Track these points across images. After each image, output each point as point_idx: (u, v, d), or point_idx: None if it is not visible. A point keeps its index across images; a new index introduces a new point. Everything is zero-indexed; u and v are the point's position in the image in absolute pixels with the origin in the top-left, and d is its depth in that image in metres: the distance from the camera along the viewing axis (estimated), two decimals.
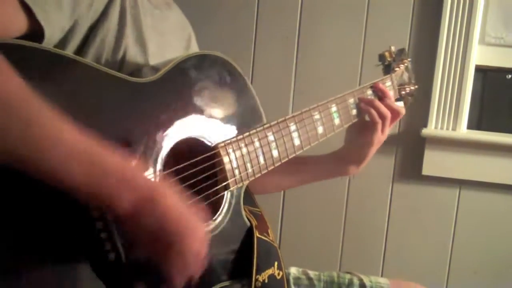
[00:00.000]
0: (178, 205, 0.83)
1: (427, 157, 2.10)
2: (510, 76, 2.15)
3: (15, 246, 0.78)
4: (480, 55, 2.10)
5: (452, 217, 2.15)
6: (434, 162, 2.10)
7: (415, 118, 2.12)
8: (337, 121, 1.29)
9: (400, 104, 1.48)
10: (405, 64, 1.49)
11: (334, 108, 1.27)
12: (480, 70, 2.13)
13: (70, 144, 0.75)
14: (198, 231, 0.86)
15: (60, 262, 0.82)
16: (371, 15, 2.10)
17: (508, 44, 2.12)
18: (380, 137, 1.31)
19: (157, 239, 0.81)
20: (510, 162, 2.06)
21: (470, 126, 2.13)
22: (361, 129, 1.33)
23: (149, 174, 0.94)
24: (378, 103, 1.31)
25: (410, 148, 2.14)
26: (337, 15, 2.11)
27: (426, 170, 2.11)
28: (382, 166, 2.15)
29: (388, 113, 1.30)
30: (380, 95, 1.35)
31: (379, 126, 1.30)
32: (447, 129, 2.08)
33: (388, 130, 1.33)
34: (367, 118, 1.33)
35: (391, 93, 1.41)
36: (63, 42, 0.94)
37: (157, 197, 0.81)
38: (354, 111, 1.33)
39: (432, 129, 2.08)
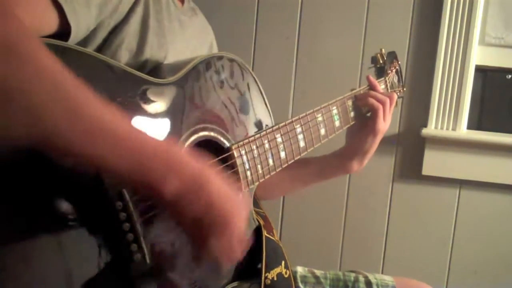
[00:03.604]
0: (223, 186, 0.82)
1: (427, 157, 2.10)
2: (510, 76, 2.16)
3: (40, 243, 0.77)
4: (480, 55, 2.10)
5: (452, 217, 2.16)
6: (434, 162, 2.10)
7: (415, 118, 2.12)
8: (337, 123, 1.32)
9: None
10: (396, 67, 1.53)
11: (335, 111, 1.30)
12: (480, 70, 2.13)
13: (114, 128, 0.73)
14: (242, 211, 0.86)
15: (84, 261, 0.82)
16: (371, 15, 2.10)
17: (508, 44, 2.12)
18: (382, 125, 1.34)
19: (203, 222, 0.80)
20: (510, 162, 2.06)
21: (470, 126, 2.14)
22: (362, 124, 1.37)
23: None
24: (373, 93, 1.36)
25: (410, 148, 2.14)
26: (337, 15, 2.11)
27: (426, 170, 2.11)
28: (382, 166, 2.15)
29: (385, 98, 1.34)
30: (372, 87, 1.40)
31: (381, 112, 1.33)
32: (447, 129, 2.08)
33: (389, 119, 1.37)
34: (368, 115, 1.38)
35: None
36: (83, 43, 0.94)
37: (203, 178, 0.80)
38: (352, 113, 1.36)
39: (432, 129, 2.08)
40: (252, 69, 2.14)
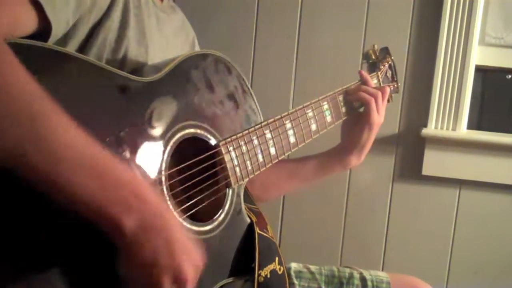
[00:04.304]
0: (182, 232, 0.81)
1: (427, 157, 2.10)
2: (510, 76, 2.15)
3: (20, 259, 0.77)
4: (480, 55, 2.10)
5: (452, 217, 2.15)
6: (434, 162, 2.10)
7: (415, 118, 2.12)
8: (328, 118, 1.32)
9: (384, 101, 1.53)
10: (389, 63, 1.53)
11: (325, 106, 1.31)
12: (480, 70, 2.13)
13: (80, 150, 0.72)
14: (199, 262, 0.84)
15: (71, 273, 0.81)
16: (371, 15, 2.10)
17: (508, 44, 2.12)
18: (377, 118, 1.34)
19: (157, 264, 0.77)
20: (510, 162, 2.06)
21: (470, 126, 2.13)
22: (356, 118, 1.36)
23: (154, 175, 0.94)
24: (364, 87, 1.37)
25: (410, 148, 2.14)
26: (337, 15, 2.11)
27: (426, 170, 2.11)
28: (382, 166, 2.15)
29: (377, 91, 1.35)
30: (363, 81, 1.40)
31: (373, 104, 1.33)
32: (447, 129, 2.08)
33: (383, 112, 1.36)
34: (361, 109, 1.37)
35: None
36: (65, 40, 0.94)
37: (164, 219, 0.78)
38: (344, 109, 1.36)
39: (432, 129, 2.08)
40: (252, 69, 2.17)
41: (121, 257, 0.77)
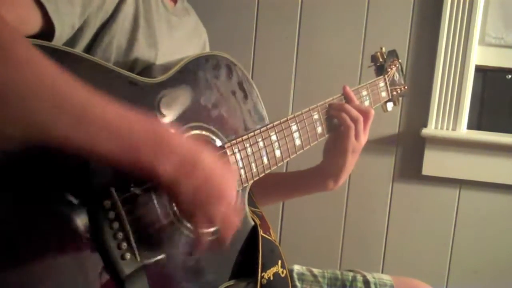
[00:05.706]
0: (214, 160, 0.86)
1: (427, 157, 2.10)
2: (510, 76, 2.16)
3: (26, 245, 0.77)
4: (480, 55, 2.10)
5: (452, 217, 2.15)
6: (434, 162, 2.10)
7: (415, 118, 2.12)
8: (335, 120, 1.29)
9: (390, 104, 1.51)
10: (396, 65, 1.51)
11: None
12: (480, 70, 2.13)
13: (101, 112, 0.75)
14: (233, 181, 0.91)
15: (73, 260, 0.81)
16: (371, 15, 2.10)
17: (508, 44, 2.12)
18: (355, 145, 1.26)
19: (200, 196, 0.83)
20: (510, 162, 2.06)
21: (470, 126, 2.14)
22: (336, 140, 1.29)
23: None
24: (348, 106, 1.26)
25: (410, 148, 2.14)
26: (337, 16, 2.11)
27: (426, 170, 2.11)
28: (382, 166, 2.15)
29: (359, 116, 1.25)
30: (348, 99, 1.30)
31: (352, 131, 1.25)
32: (447, 129, 2.08)
33: (364, 138, 1.28)
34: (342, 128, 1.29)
35: (383, 94, 1.44)
36: (71, 42, 0.94)
37: (196, 155, 0.83)
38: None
39: (432, 129, 2.08)
40: (252, 69, 2.16)
41: (171, 201, 0.89)
